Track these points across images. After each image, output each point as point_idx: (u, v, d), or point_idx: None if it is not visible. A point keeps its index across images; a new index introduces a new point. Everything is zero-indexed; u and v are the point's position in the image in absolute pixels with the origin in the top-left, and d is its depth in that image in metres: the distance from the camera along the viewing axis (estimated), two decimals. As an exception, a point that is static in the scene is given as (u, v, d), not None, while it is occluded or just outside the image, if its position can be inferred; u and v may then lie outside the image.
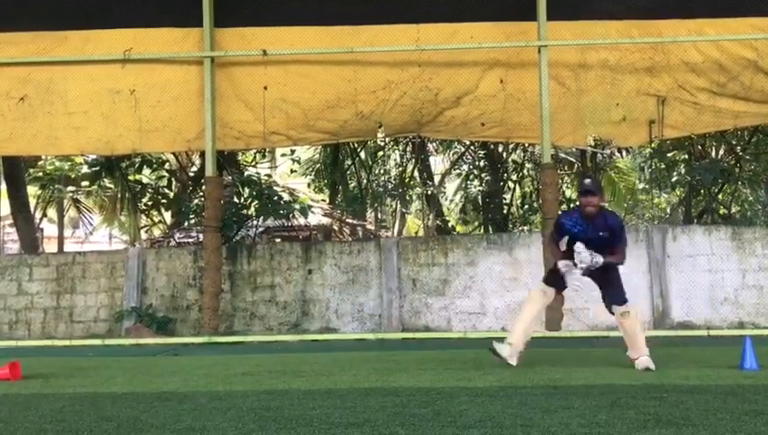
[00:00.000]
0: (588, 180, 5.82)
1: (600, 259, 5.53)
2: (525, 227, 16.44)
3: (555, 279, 5.87)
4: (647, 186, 18.79)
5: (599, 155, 16.44)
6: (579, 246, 5.51)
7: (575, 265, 5.58)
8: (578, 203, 5.74)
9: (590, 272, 5.65)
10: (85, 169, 16.71)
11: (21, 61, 10.54)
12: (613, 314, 5.86)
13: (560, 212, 5.89)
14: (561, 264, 5.67)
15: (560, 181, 16.79)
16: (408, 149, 19.39)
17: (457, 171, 20.51)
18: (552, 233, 6.08)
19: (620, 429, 3.34)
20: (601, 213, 5.68)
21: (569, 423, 3.48)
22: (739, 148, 14.89)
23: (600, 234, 5.59)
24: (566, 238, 5.65)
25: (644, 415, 3.66)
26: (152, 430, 3.53)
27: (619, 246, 5.71)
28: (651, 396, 4.25)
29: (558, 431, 3.30)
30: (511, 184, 18.07)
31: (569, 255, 5.64)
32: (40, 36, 10.57)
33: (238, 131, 10.80)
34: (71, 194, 19.82)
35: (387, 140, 15.54)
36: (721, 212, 15.22)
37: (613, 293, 5.82)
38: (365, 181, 19.64)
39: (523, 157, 18.01)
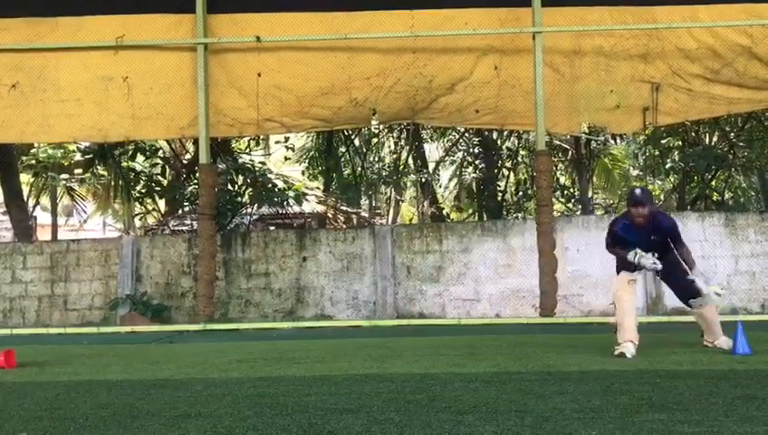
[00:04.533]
0: (639, 190, 5.82)
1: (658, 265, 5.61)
2: (520, 214, 16.48)
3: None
4: (641, 172, 18.84)
5: (593, 142, 16.46)
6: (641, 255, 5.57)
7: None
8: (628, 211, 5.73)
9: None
10: (78, 157, 16.62)
11: (12, 47, 10.43)
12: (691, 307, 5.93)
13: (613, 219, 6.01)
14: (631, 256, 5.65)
15: (554, 168, 16.81)
16: (403, 136, 19.36)
17: (452, 158, 20.51)
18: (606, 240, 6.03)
19: (614, 413, 3.37)
20: (653, 219, 5.67)
21: (563, 409, 3.50)
22: (733, 134, 14.93)
23: (653, 238, 5.65)
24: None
25: (637, 400, 3.69)
26: (148, 417, 3.54)
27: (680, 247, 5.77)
28: (644, 381, 4.28)
29: (552, 417, 3.33)
30: (505, 171, 18.09)
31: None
32: (31, 22, 10.46)
33: (232, 118, 10.75)
34: (64, 182, 19.70)
35: (381, 127, 15.51)
36: (714, 198, 15.29)
37: (682, 289, 5.89)
38: (359, 168, 19.61)
39: (518, 144, 18.01)
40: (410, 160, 19.94)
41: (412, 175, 19.38)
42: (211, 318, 10.04)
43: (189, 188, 14.32)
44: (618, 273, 5.92)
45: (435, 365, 5.23)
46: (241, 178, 13.63)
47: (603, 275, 10.71)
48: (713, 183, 15.54)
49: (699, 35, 10.36)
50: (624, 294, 5.75)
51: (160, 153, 16.77)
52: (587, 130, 11.54)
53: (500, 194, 17.42)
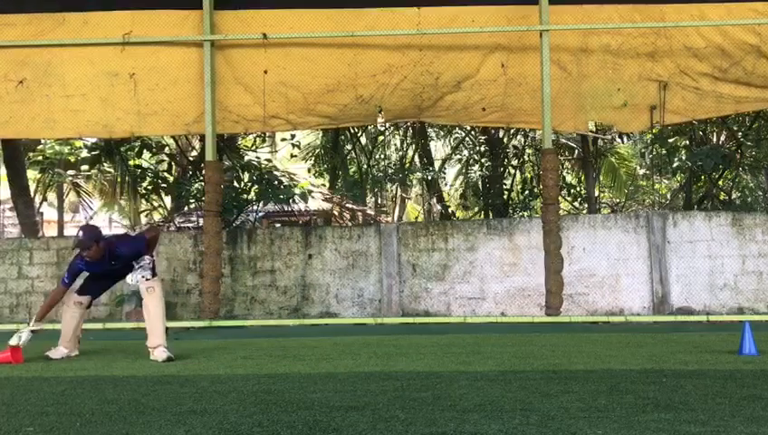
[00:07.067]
0: (80, 234, 5.96)
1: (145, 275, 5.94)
2: (525, 213, 16.45)
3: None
4: (647, 171, 18.80)
5: (600, 140, 16.41)
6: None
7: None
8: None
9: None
10: (85, 154, 16.67)
11: (19, 44, 10.46)
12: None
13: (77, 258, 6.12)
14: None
15: (560, 167, 16.78)
16: (409, 134, 19.36)
17: (458, 157, 20.51)
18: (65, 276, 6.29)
19: (619, 413, 3.36)
20: (109, 250, 5.94)
21: (568, 407, 3.49)
22: (740, 133, 14.86)
23: (113, 263, 6.00)
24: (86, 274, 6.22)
25: (643, 399, 3.68)
26: (153, 413, 3.55)
27: (144, 249, 6.03)
28: (650, 381, 4.27)
29: (557, 415, 3.32)
30: (511, 169, 18.07)
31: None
32: (38, 18, 10.47)
33: (237, 115, 10.75)
34: (70, 178, 19.80)
35: (387, 125, 15.50)
36: (721, 198, 15.23)
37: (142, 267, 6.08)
38: (365, 166, 19.62)
39: (524, 142, 18.00)
40: (416, 158, 19.94)
41: (418, 173, 19.38)
42: (216, 315, 10.06)
43: (195, 185, 14.34)
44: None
45: (440, 363, 5.23)
46: (247, 175, 13.64)
47: (609, 274, 10.73)
48: (720, 182, 15.48)
49: (707, 34, 10.31)
50: (69, 311, 6.30)
51: (166, 150, 16.81)
52: (594, 129, 11.50)
53: (506, 192, 17.40)
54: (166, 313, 6.15)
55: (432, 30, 10.20)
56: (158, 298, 6.01)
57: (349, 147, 19.59)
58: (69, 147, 17.75)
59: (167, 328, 6.05)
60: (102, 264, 5.98)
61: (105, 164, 17.10)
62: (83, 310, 6.40)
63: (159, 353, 5.80)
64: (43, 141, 17.07)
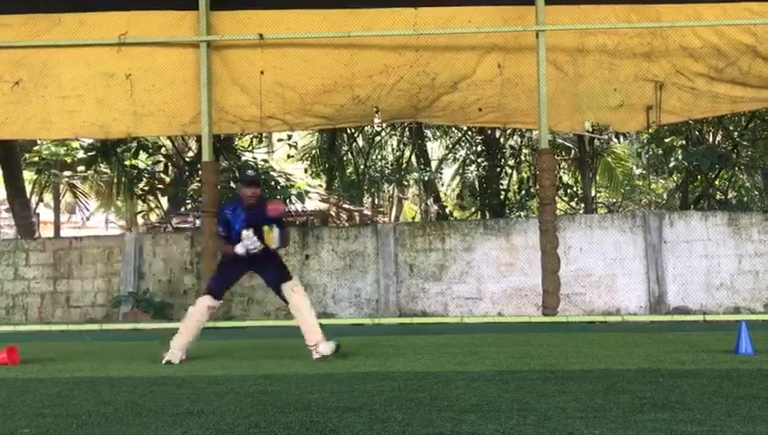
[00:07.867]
0: (251, 171, 6.04)
1: (259, 245, 5.77)
2: (522, 213, 16.46)
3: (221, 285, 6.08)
4: (644, 171, 18.84)
5: (596, 140, 16.44)
6: (246, 234, 5.75)
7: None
8: (240, 194, 5.93)
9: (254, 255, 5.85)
10: (81, 154, 16.63)
11: (15, 44, 10.43)
12: (280, 294, 6.07)
13: (222, 207, 6.09)
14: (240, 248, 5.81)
15: (557, 167, 16.79)
16: (406, 134, 19.37)
17: (455, 156, 20.52)
18: (218, 229, 6.19)
19: (616, 412, 3.36)
20: (260, 204, 5.91)
21: (565, 407, 3.49)
22: (736, 133, 14.90)
23: (261, 220, 5.82)
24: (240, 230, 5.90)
25: (639, 399, 3.68)
26: (150, 414, 3.54)
27: (282, 229, 5.95)
28: (647, 380, 4.27)
29: (554, 415, 3.32)
30: (508, 169, 18.08)
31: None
32: (33, 19, 10.44)
33: (234, 116, 10.73)
34: (67, 179, 19.76)
35: (384, 125, 15.51)
36: (718, 197, 15.27)
37: (277, 271, 6.11)
38: (362, 167, 19.62)
39: (521, 142, 18.01)
40: (413, 158, 19.95)
41: (415, 173, 19.38)
42: (214, 316, 10.03)
43: (192, 186, 14.34)
44: (211, 286, 6.12)
45: (437, 363, 5.23)
46: (244, 175, 13.63)
47: (606, 274, 10.74)
48: (716, 182, 15.51)
49: (703, 34, 10.32)
50: (198, 315, 5.97)
51: (163, 151, 16.78)
52: (590, 129, 11.51)
53: (503, 192, 17.41)
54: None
55: (429, 30, 10.20)
56: (305, 296, 6.10)
57: (345, 147, 19.59)
58: (65, 148, 17.70)
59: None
60: (251, 217, 5.77)
61: (101, 165, 17.05)
62: (209, 316, 6.12)
63: (324, 348, 5.68)
64: (39, 142, 17.03)
